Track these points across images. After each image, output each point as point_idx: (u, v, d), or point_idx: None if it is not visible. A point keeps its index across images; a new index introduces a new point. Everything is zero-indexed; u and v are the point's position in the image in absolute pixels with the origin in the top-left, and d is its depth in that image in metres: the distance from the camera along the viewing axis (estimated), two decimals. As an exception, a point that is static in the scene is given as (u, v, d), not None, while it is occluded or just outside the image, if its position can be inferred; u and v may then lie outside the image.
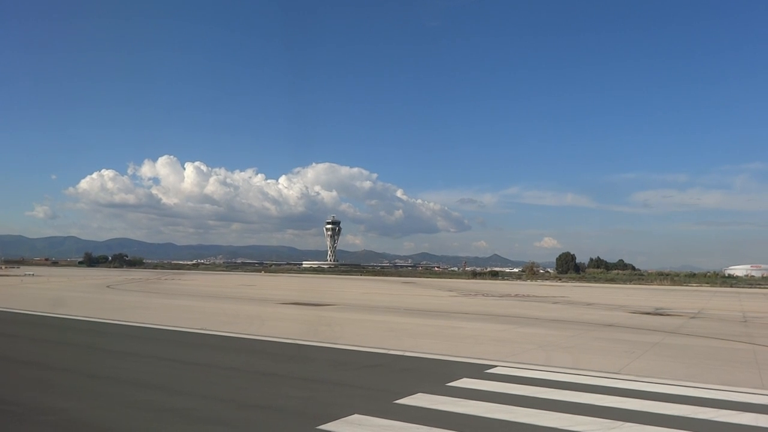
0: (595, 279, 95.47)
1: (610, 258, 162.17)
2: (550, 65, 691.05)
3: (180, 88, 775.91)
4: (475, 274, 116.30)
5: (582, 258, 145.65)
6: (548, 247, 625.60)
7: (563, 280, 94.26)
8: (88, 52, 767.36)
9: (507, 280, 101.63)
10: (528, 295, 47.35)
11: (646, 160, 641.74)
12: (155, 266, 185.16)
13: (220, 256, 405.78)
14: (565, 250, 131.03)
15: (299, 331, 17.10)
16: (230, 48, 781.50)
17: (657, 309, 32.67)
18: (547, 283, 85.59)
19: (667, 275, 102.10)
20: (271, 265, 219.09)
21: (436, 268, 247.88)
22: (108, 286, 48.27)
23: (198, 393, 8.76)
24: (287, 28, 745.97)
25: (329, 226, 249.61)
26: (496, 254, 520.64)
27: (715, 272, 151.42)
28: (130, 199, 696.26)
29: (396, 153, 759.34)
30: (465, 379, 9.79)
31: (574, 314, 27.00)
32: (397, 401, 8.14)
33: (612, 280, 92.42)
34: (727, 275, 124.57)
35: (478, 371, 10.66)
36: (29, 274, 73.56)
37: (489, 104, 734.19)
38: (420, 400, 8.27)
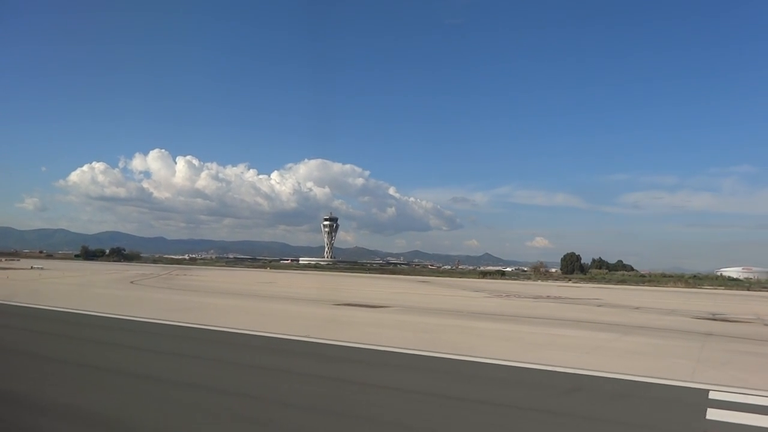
0: (605, 280, 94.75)
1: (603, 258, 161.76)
2: (540, 66, 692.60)
3: (172, 81, 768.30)
4: (484, 274, 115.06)
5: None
6: (540, 246, 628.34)
7: (573, 280, 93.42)
8: (79, 44, 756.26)
9: (516, 279, 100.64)
10: (560, 297, 46.17)
11: (636, 162, 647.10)
12: (154, 261, 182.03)
13: (212, 251, 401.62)
14: (555, 250, 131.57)
15: (414, 340, 15.59)
16: (225, 41, 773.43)
17: (713, 314, 31.58)
18: (560, 283, 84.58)
19: (680, 277, 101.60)
20: (270, 261, 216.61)
21: (431, 266, 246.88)
22: (132, 282, 46.40)
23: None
24: (285, 23, 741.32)
25: (326, 222, 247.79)
26: (487, 253, 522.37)
27: (709, 274, 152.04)
28: (121, 192, 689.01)
29: (388, 150, 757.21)
30: (716, 411, 8.36)
31: (644, 320, 25.76)
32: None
33: (623, 282, 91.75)
34: (727, 278, 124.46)
35: (702, 398, 9.24)
36: (38, 267, 71.22)
37: (481, 104, 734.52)
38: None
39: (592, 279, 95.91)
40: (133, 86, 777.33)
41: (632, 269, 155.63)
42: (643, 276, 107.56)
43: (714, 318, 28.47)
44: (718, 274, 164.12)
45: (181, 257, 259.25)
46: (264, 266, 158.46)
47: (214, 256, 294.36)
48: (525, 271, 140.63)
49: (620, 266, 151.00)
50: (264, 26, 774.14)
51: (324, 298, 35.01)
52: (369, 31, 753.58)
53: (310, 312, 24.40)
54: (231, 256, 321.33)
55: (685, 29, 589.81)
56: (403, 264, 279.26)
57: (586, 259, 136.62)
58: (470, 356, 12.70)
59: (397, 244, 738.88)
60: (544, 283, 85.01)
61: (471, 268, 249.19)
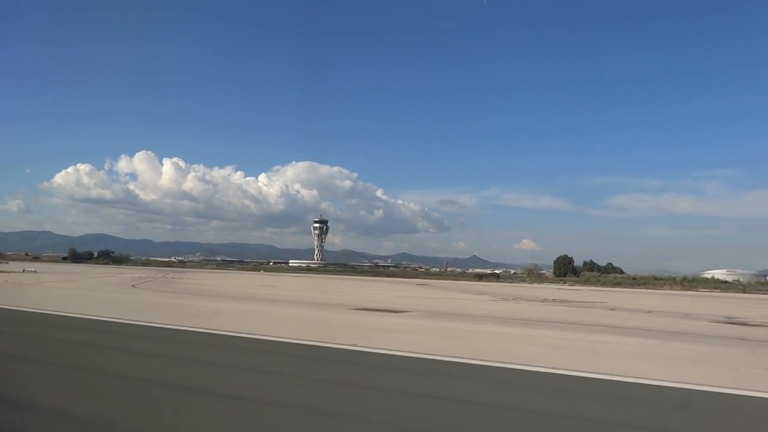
0: (600, 283, 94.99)
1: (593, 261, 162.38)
2: (527, 69, 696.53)
3: (158, 81, 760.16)
4: (479, 276, 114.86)
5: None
6: (527, 248, 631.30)
7: (568, 283, 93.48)
8: (64, 44, 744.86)
9: (511, 282, 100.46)
10: (566, 300, 45.83)
11: (622, 165, 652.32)
12: (143, 263, 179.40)
13: (199, 254, 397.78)
14: (542, 252, 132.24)
15: (462, 348, 14.99)
16: (212, 41, 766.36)
17: (729, 318, 31.41)
18: (557, 286, 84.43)
19: (674, 280, 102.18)
20: (262, 264, 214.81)
21: (420, 268, 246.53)
22: (134, 286, 45.30)
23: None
24: (275, 23, 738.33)
25: (317, 225, 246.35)
26: (475, 255, 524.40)
27: (696, 277, 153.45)
28: (107, 194, 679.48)
29: (376, 153, 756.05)
30: None
31: (667, 324, 25.31)
32: None
33: (618, 284, 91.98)
34: (719, 280, 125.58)
35: None
36: (31, 270, 69.51)
37: (469, 106, 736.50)
38: None
39: (587, 282, 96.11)
40: (119, 86, 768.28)
41: (621, 272, 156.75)
42: (635, 279, 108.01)
43: (732, 322, 28.24)
44: (703, 276, 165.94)
45: (168, 260, 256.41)
46: (256, 269, 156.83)
47: (201, 259, 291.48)
48: (516, 273, 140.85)
49: (610, 269, 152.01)
50: (254, 26, 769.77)
51: (335, 302, 34.31)
52: (358, 33, 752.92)
53: (334, 318, 23.68)
54: (219, 258, 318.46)
55: (669, 32, 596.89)
56: (391, 266, 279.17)
57: (577, 262, 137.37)
58: (533, 366, 12.11)
59: (385, 247, 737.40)
60: (540, 285, 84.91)
61: (459, 270, 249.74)
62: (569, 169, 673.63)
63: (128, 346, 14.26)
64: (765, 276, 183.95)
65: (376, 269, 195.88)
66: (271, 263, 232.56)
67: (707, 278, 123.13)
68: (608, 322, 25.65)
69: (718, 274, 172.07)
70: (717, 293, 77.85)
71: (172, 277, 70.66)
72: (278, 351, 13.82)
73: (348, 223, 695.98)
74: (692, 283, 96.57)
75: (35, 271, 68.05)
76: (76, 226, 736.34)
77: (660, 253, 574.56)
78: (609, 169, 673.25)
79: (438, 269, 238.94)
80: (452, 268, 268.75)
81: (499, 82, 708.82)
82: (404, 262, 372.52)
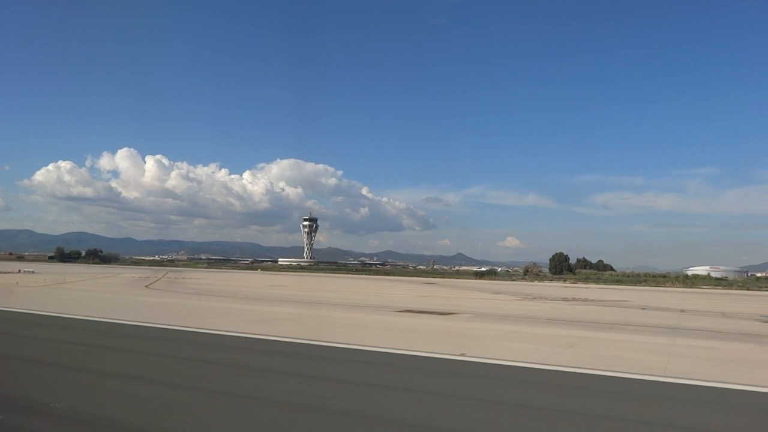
0: (601, 280, 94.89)
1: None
2: (512, 68, 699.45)
3: (140, 78, 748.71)
4: (479, 274, 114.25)
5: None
6: (511, 246, 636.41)
7: (568, 281, 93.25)
8: (46, 41, 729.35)
9: (510, 280, 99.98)
10: (587, 299, 45.20)
11: (605, 163, 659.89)
12: (133, 262, 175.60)
13: (182, 252, 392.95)
14: (527, 250, 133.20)
15: (571, 356, 13.90)
16: (196, 38, 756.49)
17: (765, 316, 31.04)
18: (560, 284, 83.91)
19: (676, 277, 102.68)
20: (253, 263, 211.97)
21: (407, 266, 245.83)
22: (148, 287, 43.55)
23: None
24: (262, 20, 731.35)
25: (306, 223, 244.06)
26: (460, 253, 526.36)
27: (679, 273, 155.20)
28: (88, 192, 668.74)
29: (362, 151, 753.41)
30: None
31: (722, 325, 24.66)
32: None
33: (619, 282, 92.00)
34: (716, 278, 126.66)
35: None
36: (29, 271, 66.94)
37: (454, 105, 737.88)
38: None
39: (587, 279, 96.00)
40: (101, 83, 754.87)
41: (612, 268, 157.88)
42: (638, 276, 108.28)
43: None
44: (688, 272, 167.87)
45: (156, 258, 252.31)
46: (251, 268, 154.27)
47: (187, 258, 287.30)
48: (508, 270, 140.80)
49: (601, 266, 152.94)
50: (240, 24, 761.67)
51: (370, 303, 33.12)
52: (346, 29, 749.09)
53: (391, 321, 22.42)
54: (203, 256, 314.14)
55: (651, 33, 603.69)
56: (377, 264, 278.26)
57: (576, 259, 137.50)
58: (689, 380, 11.09)
59: (370, 244, 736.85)
60: (543, 284, 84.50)
61: (446, 267, 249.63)
62: (553, 167, 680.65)
63: (240, 360, 12.79)
64: (747, 272, 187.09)
65: (367, 267, 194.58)
66: (250, 261, 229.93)
67: (704, 276, 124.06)
68: (665, 323, 24.84)
69: (702, 270, 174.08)
70: (720, 290, 78.18)
71: (175, 278, 68.67)
72: (372, 361, 12.56)
73: (333, 221, 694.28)
74: (693, 280, 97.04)
75: (33, 272, 65.54)
76: (56, 224, 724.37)
77: (643, 250, 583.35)
78: (592, 167, 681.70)
79: (425, 267, 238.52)
80: (438, 266, 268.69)
81: (484, 81, 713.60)
82: (390, 260, 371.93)
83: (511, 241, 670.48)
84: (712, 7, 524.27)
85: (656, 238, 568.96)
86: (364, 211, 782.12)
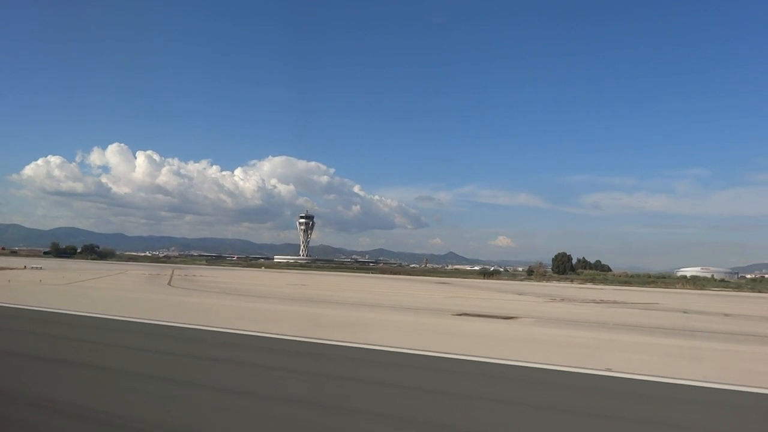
0: (608, 281, 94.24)
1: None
2: (504, 68, 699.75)
3: (131, 74, 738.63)
4: (485, 274, 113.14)
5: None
6: (502, 245, 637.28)
7: (576, 281, 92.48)
8: (36, 36, 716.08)
9: (515, 280, 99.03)
10: (616, 302, 44.19)
11: (596, 163, 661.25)
12: (129, 259, 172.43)
13: (173, 248, 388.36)
14: (518, 249, 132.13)
15: (703, 369, 12.70)
16: (188, 34, 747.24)
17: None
18: (569, 284, 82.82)
19: (683, 279, 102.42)
20: (251, 260, 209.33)
21: (406, 265, 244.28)
22: (170, 285, 41.85)
23: None
24: (253, 17, 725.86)
25: (302, 220, 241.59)
26: (451, 252, 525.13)
27: (671, 274, 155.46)
28: (78, 187, 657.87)
29: (354, 148, 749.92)
30: None
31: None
32: None
33: (627, 283, 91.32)
34: (719, 280, 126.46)
35: None
36: (36, 267, 64.65)
37: (446, 103, 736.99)
38: None
39: (594, 280, 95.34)
40: (91, 78, 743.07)
41: (609, 269, 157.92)
42: (649, 277, 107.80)
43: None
44: (680, 273, 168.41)
45: (144, 254, 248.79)
46: (249, 265, 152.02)
47: (178, 254, 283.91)
48: (508, 270, 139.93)
49: (599, 266, 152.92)
50: (234, 20, 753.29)
51: (419, 306, 31.76)
52: (340, 28, 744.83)
53: (469, 328, 20.97)
54: (195, 253, 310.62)
55: (642, 33, 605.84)
56: (371, 262, 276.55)
57: (576, 259, 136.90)
58: None
59: (362, 242, 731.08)
60: (552, 284, 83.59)
61: (438, 266, 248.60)
62: (545, 167, 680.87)
63: (358, 374, 11.41)
64: (737, 274, 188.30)
65: (365, 266, 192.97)
66: (235, 257, 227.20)
67: (708, 278, 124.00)
68: (725, 328, 23.71)
69: (693, 271, 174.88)
70: (728, 292, 77.87)
71: (185, 275, 66.75)
72: (557, 381, 11.20)
73: (325, 218, 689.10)
74: (702, 282, 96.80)
75: (41, 268, 63.31)
76: (46, 219, 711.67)
77: (633, 250, 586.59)
78: (584, 167, 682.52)
79: (417, 266, 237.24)
80: (431, 265, 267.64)
81: (477, 80, 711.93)
82: (381, 258, 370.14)
83: (503, 240, 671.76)
84: (704, 8, 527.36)
85: (647, 239, 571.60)
86: (356, 209, 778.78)
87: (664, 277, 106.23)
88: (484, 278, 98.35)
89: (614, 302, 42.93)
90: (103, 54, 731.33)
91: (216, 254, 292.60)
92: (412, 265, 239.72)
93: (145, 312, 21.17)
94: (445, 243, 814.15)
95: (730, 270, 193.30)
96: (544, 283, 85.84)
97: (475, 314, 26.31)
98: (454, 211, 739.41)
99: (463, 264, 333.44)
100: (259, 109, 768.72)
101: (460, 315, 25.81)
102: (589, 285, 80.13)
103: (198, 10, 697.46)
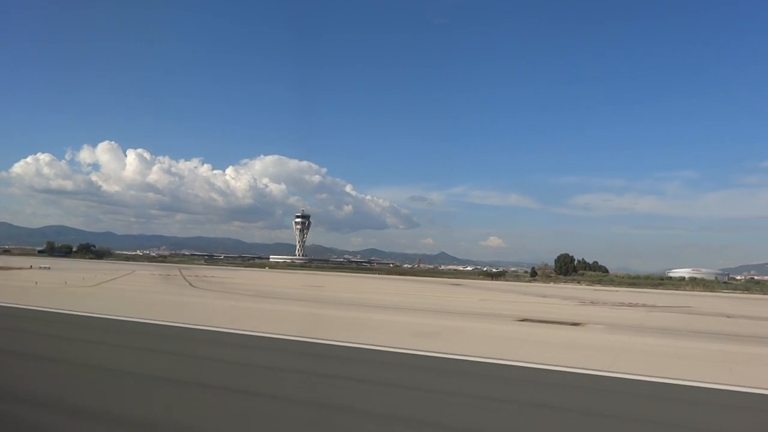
0: (615, 282, 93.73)
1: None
2: (494, 69, 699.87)
3: (121, 72, 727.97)
4: (491, 275, 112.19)
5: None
6: (493, 246, 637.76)
7: (584, 283, 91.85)
8: (25, 34, 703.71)
9: (520, 281, 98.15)
10: (647, 305, 43.37)
11: (587, 164, 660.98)
12: (127, 258, 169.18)
13: (164, 247, 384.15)
14: (509, 250, 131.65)
15: None
16: (178, 31, 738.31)
17: None
18: (577, 286, 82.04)
19: (694, 281, 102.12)
20: (247, 260, 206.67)
21: (399, 265, 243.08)
22: (193, 286, 40.21)
23: None
24: (246, 14, 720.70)
25: (299, 220, 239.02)
26: (443, 252, 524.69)
27: (660, 275, 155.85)
28: (68, 185, 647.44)
29: (346, 148, 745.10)
30: None
31: None
32: None
33: (634, 284, 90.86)
34: (724, 282, 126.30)
35: None
36: (45, 267, 62.43)
37: (438, 104, 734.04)
38: None
39: (600, 281, 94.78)
40: (81, 76, 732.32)
41: (606, 270, 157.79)
42: (661, 279, 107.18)
43: None
44: (670, 274, 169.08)
45: (140, 254, 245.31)
46: (249, 265, 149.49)
47: (167, 253, 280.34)
48: (513, 271, 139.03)
49: (596, 267, 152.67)
50: (226, 17, 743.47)
51: (473, 311, 30.48)
52: (334, 28, 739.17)
53: (548, 335, 19.73)
54: (186, 252, 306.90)
55: (632, 34, 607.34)
56: (363, 262, 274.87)
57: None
58: None
59: (353, 242, 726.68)
60: (562, 285, 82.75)
61: (431, 266, 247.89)
62: (536, 168, 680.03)
63: (494, 394, 10.14)
64: (727, 275, 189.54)
65: (362, 265, 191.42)
66: (222, 256, 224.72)
67: (712, 279, 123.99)
68: None
69: (684, 272, 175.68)
70: (738, 294, 77.64)
71: (196, 275, 64.96)
72: (711, 400, 10.02)
73: (316, 218, 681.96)
74: (711, 284, 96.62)
75: (49, 268, 61.16)
76: (35, 217, 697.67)
77: (624, 251, 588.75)
78: (574, 168, 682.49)
79: (409, 266, 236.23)
80: (424, 265, 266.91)
81: (469, 81, 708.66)
82: (374, 258, 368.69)
83: (494, 241, 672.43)
84: (694, 9, 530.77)
85: (637, 240, 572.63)
86: (347, 208, 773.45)
87: (669, 279, 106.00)
88: (491, 279, 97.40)
89: (645, 306, 42.08)
90: (93, 51, 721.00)
91: (208, 253, 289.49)
92: (405, 265, 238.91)
93: (217, 319, 19.67)
94: (436, 243, 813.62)
95: (720, 271, 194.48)
96: (553, 285, 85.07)
97: (536, 320, 25.15)
98: (445, 211, 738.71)
99: (455, 264, 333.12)
100: (251, 108, 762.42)
101: (522, 321, 24.63)
102: (598, 287, 79.40)
103: (189, 8, 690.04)
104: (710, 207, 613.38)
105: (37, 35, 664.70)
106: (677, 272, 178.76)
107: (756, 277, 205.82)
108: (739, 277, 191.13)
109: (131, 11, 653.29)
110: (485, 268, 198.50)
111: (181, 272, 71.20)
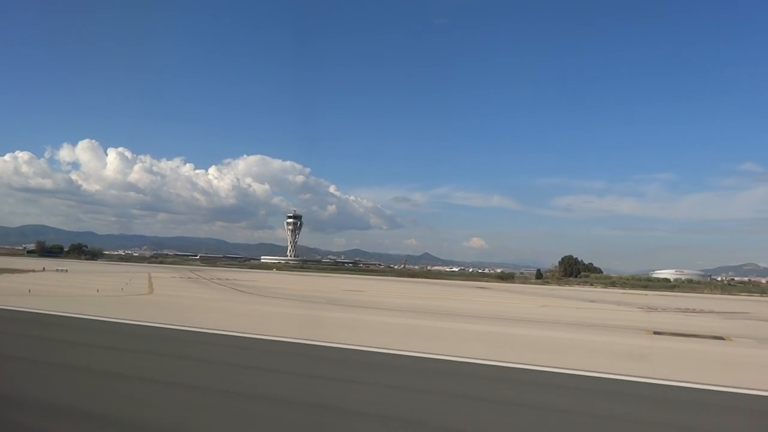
0: (628, 285, 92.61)
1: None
2: (479, 70, 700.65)
3: (101, 71, 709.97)
4: (502, 277, 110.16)
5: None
6: (476, 246, 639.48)
7: (598, 285, 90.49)
8: (1, 33, 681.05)
9: (528, 282, 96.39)
10: (704, 311, 41.62)
11: (568, 166, 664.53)
12: (121, 258, 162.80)
13: (145, 247, 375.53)
14: (491, 250, 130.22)
15: None
16: (161, 30, 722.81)
17: None
18: (591, 289, 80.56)
19: (714, 283, 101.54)
20: (244, 261, 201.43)
21: (379, 265, 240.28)
22: (236, 290, 36.97)
23: None
24: (238, 15, 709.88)
25: (290, 220, 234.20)
26: (427, 252, 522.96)
27: (644, 275, 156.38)
28: (47, 183, 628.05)
29: (329, 148, 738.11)
30: None
31: None
32: None
33: (647, 287, 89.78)
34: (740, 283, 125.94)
35: None
36: (62, 270, 58.08)
37: (421, 105, 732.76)
38: None
39: (614, 284, 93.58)
40: (60, 73, 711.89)
41: (601, 272, 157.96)
42: (678, 281, 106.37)
43: None
44: (655, 275, 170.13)
45: (115, 253, 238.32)
46: (256, 267, 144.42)
47: (149, 253, 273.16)
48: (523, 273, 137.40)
49: (592, 268, 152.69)
50: (215, 16, 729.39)
51: (561, 320, 28.02)
52: (328, 28, 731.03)
53: (698, 350, 17.41)
54: (167, 252, 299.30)
55: (618, 35, 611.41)
56: (348, 262, 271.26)
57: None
58: None
59: (337, 243, 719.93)
60: (575, 288, 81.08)
61: (416, 267, 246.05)
62: (518, 169, 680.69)
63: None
64: (709, 276, 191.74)
65: (358, 267, 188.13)
66: (199, 256, 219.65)
67: (718, 281, 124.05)
68: None
69: (668, 273, 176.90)
70: (757, 297, 77.07)
71: (218, 278, 61.35)
72: None
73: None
74: (732, 287, 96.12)
75: (66, 271, 56.91)
76: (13, 216, 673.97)
77: (606, 253, 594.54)
78: (555, 170, 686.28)
79: (394, 266, 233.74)
80: (410, 266, 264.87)
81: (455, 82, 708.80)
82: (357, 258, 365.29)
83: (476, 242, 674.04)
84: (684, 9, 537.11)
85: (617, 241, 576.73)
86: (331, 209, 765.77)
87: (678, 281, 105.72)
88: (503, 282, 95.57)
89: (700, 311, 40.27)
90: (73, 51, 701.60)
91: (191, 253, 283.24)
92: (392, 266, 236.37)
93: (290, 330, 16.73)
94: (420, 244, 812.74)
95: (701, 272, 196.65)
96: (570, 288, 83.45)
97: (671, 333, 22.80)
98: (428, 212, 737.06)
99: (439, 265, 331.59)
100: (234, 108, 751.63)
101: (657, 334, 22.24)
102: (614, 289, 77.98)
103: (170, 8, 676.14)
104: (689, 209, 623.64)
105: (16, 34, 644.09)
106: (661, 273, 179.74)
107: (736, 278, 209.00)
108: (719, 278, 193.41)
109: (112, 11, 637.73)
110: (500, 270, 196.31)
111: (198, 275, 67.40)
